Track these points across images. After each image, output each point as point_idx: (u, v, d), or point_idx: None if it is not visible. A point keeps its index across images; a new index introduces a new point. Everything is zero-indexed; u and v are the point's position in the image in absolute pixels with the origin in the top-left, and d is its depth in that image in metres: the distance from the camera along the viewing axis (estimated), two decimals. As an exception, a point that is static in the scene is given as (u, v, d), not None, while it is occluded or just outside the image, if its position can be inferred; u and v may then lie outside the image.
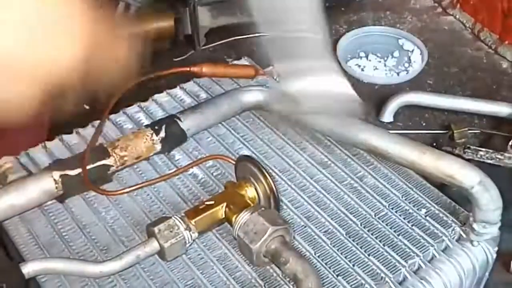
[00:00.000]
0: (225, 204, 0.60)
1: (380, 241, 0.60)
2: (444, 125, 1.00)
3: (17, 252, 0.61)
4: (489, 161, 0.88)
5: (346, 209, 0.64)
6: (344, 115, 0.68)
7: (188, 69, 0.78)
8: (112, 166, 0.66)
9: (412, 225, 0.62)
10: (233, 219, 0.57)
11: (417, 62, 1.13)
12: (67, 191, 0.64)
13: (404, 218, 0.62)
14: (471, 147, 0.90)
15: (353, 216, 0.63)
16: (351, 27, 1.22)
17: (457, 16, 1.24)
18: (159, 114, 0.76)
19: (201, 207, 0.59)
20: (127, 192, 0.66)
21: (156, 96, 0.79)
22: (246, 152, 0.70)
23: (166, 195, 0.66)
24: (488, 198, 0.58)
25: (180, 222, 0.58)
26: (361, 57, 1.15)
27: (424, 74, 1.11)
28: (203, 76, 0.79)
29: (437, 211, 0.63)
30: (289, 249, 0.55)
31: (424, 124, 1.02)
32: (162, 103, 0.78)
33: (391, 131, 0.94)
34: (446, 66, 1.13)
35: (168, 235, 0.57)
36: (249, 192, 0.60)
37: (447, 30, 1.22)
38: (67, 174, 0.63)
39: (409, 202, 0.64)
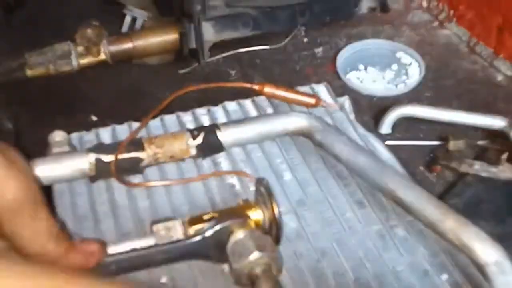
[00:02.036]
0: (227, 220, 0.62)
1: (386, 295, 0.57)
2: (441, 137, 1.02)
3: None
4: (484, 174, 0.91)
5: (365, 255, 0.62)
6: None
7: (250, 85, 0.81)
8: (144, 160, 0.71)
9: None
10: (228, 235, 0.59)
11: (415, 75, 1.16)
12: (98, 174, 0.70)
13: (421, 279, 0.59)
14: (467, 160, 0.92)
15: (369, 263, 0.61)
16: (351, 40, 1.25)
17: (454, 30, 1.27)
18: (223, 120, 0.79)
19: (205, 217, 0.62)
20: (146, 187, 0.70)
21: (226, 103, 0.83)
22: (289, 175, 0.72)
23: (200, 199, 0.69)
24: (503, 282, 0.53)
25: (180, 226, 0.60)
26: (360, 70, 1.18)
27: (422, 87, 1.14)
28: (263, 95, 0.81)
29: (459, 281, 0.59)
30: (268, 278, 0.56)
31: (421, 135, 1.04)
32: (229, 111, 0.81)
33: (389, 142, 0.96)
34: (442, 78, 1.16)
35: (164, 235, 0.60)
36: (255, 214, 0.62)
37: (443, 44, 1.25)
38: (101, 159, 0.69)
39: (433, 264, 0.60)
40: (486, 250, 0.55)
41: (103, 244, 0.56)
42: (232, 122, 0.77)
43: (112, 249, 0.58)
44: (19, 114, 1.05)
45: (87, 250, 0.54)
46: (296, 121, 0.76)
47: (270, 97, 0.81)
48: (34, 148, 0.82)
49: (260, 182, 0.63)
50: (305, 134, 0.76)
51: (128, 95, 1.12)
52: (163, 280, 0.61)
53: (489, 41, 1.19)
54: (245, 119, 0.78)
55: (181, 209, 0.69)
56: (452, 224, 0.58)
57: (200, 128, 0.75)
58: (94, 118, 1.06)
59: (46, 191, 0.73)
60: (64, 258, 0.52)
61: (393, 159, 0.76)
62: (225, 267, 0.61)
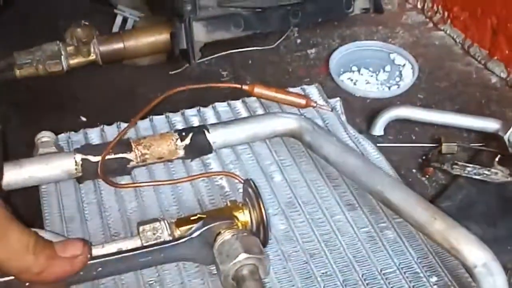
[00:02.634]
0: (215, 221, 0.61)
1: (374, 298, 0.57)
2: (434, 139, 1.02)
3: (40, 218, 0.68)
4: (476, 177, 0.90)
5: (354, 257, 0.62)
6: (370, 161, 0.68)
7: (240, 86, 0.81)
8: (132, 161, 0.71)
9: None
10: (215, 236, 0.59)
11: (408, 76, 1.16)
12: (85, 174, 0.70)
13: (410, 281, 0.59)
14: (459, 163, 0.91)
15: (358, 265, 0.61)
16: (344, 41, 1.24)
17: (448, 32, 1.26)
18: (213, 121, 0.79)
19: (192, 218, 0.62)
20: (133, 187, 0.70)
21: (216, 104, 0.82)
22: (279, 176, 0.72)
23: (189, 199, 0.69)
24: (491, 283, 0.54)
25: (166, 227, 0.60)
26: (353, 71, 1.18)
27: (415, 88, 1.13)
28: (253, 96, 0.81)
29: (448, 282, 0.59)
30: (255, 279, 0.56)
31: (414, 137, 1.03)
32: (219, 111, 0.81)
33: (381, 144, 0.96)
34: (436, 80, 1.15)
35: (150, 236, 0.59)
36: (243, 216, 0.62)
37: (438, 45, 1.24)
38: (88, 160, 0.69)
39: (423, 266, 0.61)
40: (474, 252, 0.56)
41: (87, 244, 0.55)
42: (221, 123, 0.77)
43: (98, 251, 0.58)
44: (7, 114, 1.04)
45: (70, 255, 0.53)
46: (285, 122, 0.76)
47: (260, 98, 0.81)
48: (23, 149, 0.81)
49: (248, 183, 0.63)
50: (295, 135, 0.75)
51: (118, 96, 1.11)
52: (151, 281, 0.61)
53: (484, 43, 1.18)
54: (234, 120, 0.77)
55: (170, 211, 0.68)
56: (441, 226, 0.58)
57: (188, 129, 0.75)
58: (83, 119, 1.05)
59: (34, 192, 0.73)
60: (47, 268, 0.51)
61: (383, 160, 0.76)
62: (213, 268, 0.60)
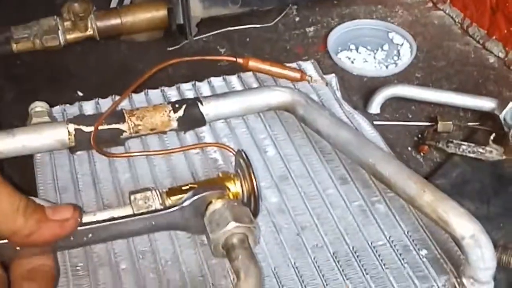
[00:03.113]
0: (206, 191, 0.61)
1: (364, 269, 0.59)
2: (430, 117, 1.02)
3: (35, 189, 0.68)
4: (471, 155, 0.90)
5: (345, 229, 0.62)
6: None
7: (234, 59, 0.80)
8: (125, 131, 0.71)
9: (405, 263, 0.59)
10: (206, 206, 0.59)
11: (406, 55, 1.15)
12: (78, 144, 0.70)
13: (400, 254, 0.60)
14: (454, 141, 0.92)
15: (349, 238, 0.62)
16: (343, 20, 1.23)
17: (447, 11, 1.26)
18: (208, 95, 0.79)
19: (183, 187, 0.62)
20: (125, 157, 0.70)
21: (211, 78, 0.82)
22: (272, 150, 0.72)
23: (182, 173, 0.70)
24: (479, 255, 0.54)
25: (157, 196, 0.60)
26: (351, 50, 1.17)
27: (413, 67, 1.13)
28: (247, 70, 0.81)
29: (438, 256, 0.59)
30: (244, 248, 0.56)
31: (410, 116, 1.03)
32: (214, 86, 0.81)
33: (377, 122, 0.96)
34: (434, 60, 1.15)
35: (142, 205, 0.59)
36: (234, 186, 0.62)
37: (436, 25, 1.24)
38: (81, 129, 0.69)
39: (413, 240, 0.61)
40: (462, 224, 0.56)
41: (78, 209, 0.55)
42: (214, 96, 0.77)
43: (89, 218, 0.58)
44: (4, 88, 1.05)
45: (61, 218, 0.54)
46: (278, 95, 0.76)
47: (255, 71, 0.81)
48: (18, 123, 0.81)
49: (239, 154, 0.63)
50: (288, 109, 0.75)
51: (115, 71, 1.11)
52: (144, 250, 0.62)
53: (482, 23, 1.18)
54: (228, 93, 0.77)
55: (163, 183, 0.69)
56: (430, 198, 0.58)
57: (181, 101, 0.75)
58: (80, 94, 1.05)
59: (26, 161, 0.73)
60: (37, 230, 0.51)
61: (377, 136, 0.76)
62: (205, 238, 0.61)
